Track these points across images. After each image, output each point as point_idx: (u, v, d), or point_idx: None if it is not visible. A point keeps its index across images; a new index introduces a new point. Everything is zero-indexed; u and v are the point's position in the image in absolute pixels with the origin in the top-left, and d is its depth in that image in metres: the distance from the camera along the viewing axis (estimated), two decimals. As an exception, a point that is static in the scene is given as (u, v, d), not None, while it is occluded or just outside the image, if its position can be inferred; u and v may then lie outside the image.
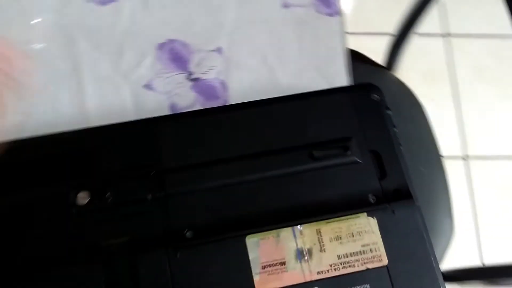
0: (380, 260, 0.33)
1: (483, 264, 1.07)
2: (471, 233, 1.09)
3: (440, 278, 0.33)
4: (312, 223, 0.34)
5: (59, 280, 0.31)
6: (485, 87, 1.24)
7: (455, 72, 1.24)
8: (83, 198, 0.34)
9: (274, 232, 0.33)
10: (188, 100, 0.41)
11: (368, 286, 0.32)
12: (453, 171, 0.68)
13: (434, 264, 0.33)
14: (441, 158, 0.74)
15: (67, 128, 0.37)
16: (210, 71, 0.42)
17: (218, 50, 0.43)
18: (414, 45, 0.75)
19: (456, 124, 1.20)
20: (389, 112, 0.38)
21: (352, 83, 0.43)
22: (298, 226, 0.34)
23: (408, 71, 0.82)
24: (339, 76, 0.42)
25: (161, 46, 0.42)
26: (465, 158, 1.16)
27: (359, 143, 0.36)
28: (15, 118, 0.38)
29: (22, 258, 0.32)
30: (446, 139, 0.72)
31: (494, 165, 1.15)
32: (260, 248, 0.33)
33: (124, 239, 0.33)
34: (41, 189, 0.34)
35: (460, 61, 1.26)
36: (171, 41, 0.43)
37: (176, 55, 0.42)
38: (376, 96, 0.39)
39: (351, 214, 0.34)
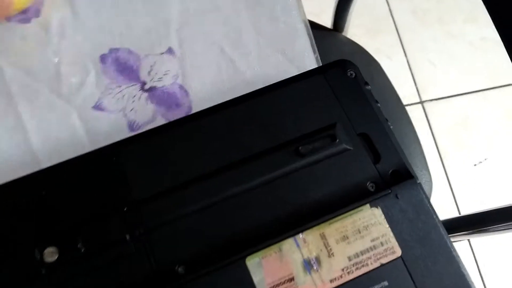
0: (394, 252, 0.30)
1: (458, 209, 1.09)
2: (440, 173, 1.11)
3: (456, 254, 0.31)
4: (314, 228, 0.30)
5: None
6: (428, 29, 1.24)
7: (396, 20, 1.23)
8: (51, 254, 0.29)
9: (275, 247, 0.30)
10: (147, 114, 0.36)
11: (387, 283, 0.30)
12: (414, 118, 0.67)
13: (448, 242, 0.31)
14: (406, 110, 0.73)
15: (14, 174, 0.32)
16: (165, 76, 0.37)
17: (169, 51, 0.38)
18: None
19: (408, 71, 1.20)
20: (368, 87, 0.35)
21: (319, 60, 0.40)
22: (300, 235, 0.30)
23: (351, 28, 0.80)
24: (306, 56, 0.39)
25: (104, 58, 0.37)
26: (421, 103, 1.17)
27: (345, 128, 0.33)
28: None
29: None
30: (402, 88, 0.71)
31: (447, 104, 1.17)
32: (263, 268, 0.29)
33: (108, 291, 0.29)
34: (-1, 253, 0.29)
35: (399, 8, 1.25)
36: (114, 50, 0.37)
37: (123, 66, 0.37)
38: (352, 72, 0.35)
39: (353, 209, 0.31)
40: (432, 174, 0.66)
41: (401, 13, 1.25)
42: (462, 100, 1.20)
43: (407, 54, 1.23)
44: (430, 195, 0.68)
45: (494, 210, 0.65)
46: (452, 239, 0.36)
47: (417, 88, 1.20)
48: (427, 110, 1.18)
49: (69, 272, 0.29)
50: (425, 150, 0.67)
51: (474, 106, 1.19)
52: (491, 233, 0.66)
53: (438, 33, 1.25)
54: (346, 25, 0.86)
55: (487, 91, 1.21)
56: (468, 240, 1.07)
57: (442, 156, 1.14)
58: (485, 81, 1.21)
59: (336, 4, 0.76)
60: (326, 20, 0.77)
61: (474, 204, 1.09)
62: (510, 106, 1.19)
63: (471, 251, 1.06)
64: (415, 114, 1.16)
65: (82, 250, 0.29)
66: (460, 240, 1.07)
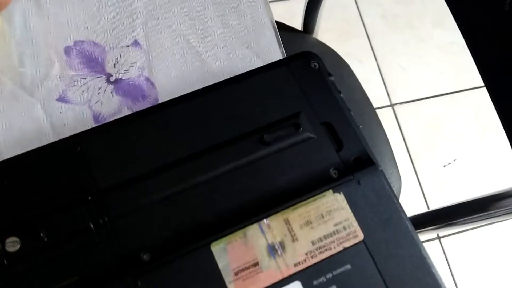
0: (356, 236, 0.31)
1: (428, 208, 1.11)
2: (410, 174, 1.13)
3: (417, 238, 0.32)
4: (278, 214, 0.31)
5: None
6: (397, 33, 1.27)
7: (366, 25, 1.25)
8: (12, 244, 0.28)
9: (240, 232, 0.30)
10: (112, 106, 0.36)
11: (349, 266, 0.30)
12: (385, 121, 0.69)
13: (409, 226, 0.32)
14: (376, 112, 0.74)
15: (-24, 166, 0.31)
16: (131, 69, 0.37)
17: (135, 43, 0.38)
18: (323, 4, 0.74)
19: (378, 74, 1.22)
20: (331, 78, 0.36)
21: (285, 54, 0.40)
22: (264, 220, 0.31)
23: (322, 33, 0.82)
24: (271, 49, 0.39)
25: (68, 50, 0.37)
26: (391, 105, 1.19)
27: (309, 117, 0.34)
28: None
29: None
30: (372, 91, 0.73)
31: (417, 107, 1.20)
32: (228, 253, 0.30)
33: (72, 280, 0.28)
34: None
35: (369, 12, 1.27)
36: (79, 42, 0.37)
37: (88, 58, 0.37)
38: (315, 63, 0.36)
39: (316, 195, 0.31)
40: (403, 175, 0.67)
41: (371, 17, 1.28)
42: (432, 102, 1.23)
43: (377, 58, 1.25)
44: (399, 195, 0.69)
45: (461, 203, 0.66)
46: (421, 235, 0.37)
47: (387, 91, 1.23)
48: (397, 113, 1.20)
49: (32, 262, 0.28)
50: (395, 152, 0.68)
51: (443, 109, 1.22)
52: (459, 226, 0.67)
53: (408, 37, 1.28)
54: (316, 26, 0.87)
55: (456, 94, 1.24)
56: (439, 240, 1.09)
57: (413, 158, 1.17)
58: (454, 84, 1.24)
59: (305, 5, 0.77)
60: (297, 25, 0.78)
61: (443, 203, 1.11)
62: (478, 108, 1.22)
63: (442, 250, 1.08)
64: (385, 116, 1.19)
65: (45, 240, 0.29)
66: (430, 239, 1.09)
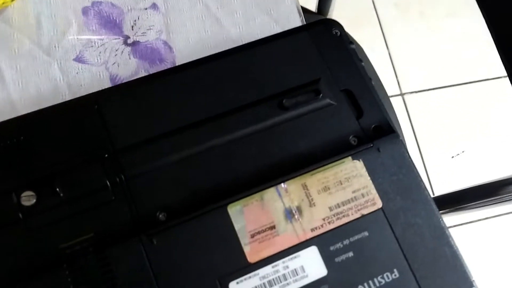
0: (374, 204, 0.30)
1: (433, 191, 1.11)
2: (418, 165, 1.12)
3: (435, 207, 0.31)
4: (296, 178, 0.30)
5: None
6: (410, 23, 1.25)
7: (379, 13, 1.24)
8: (28, 198, 0.28)
9: (257, 195, 0.30)
10: (129, 68, 0.36)
11: (367, 233, 0.30)
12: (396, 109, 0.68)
13: (428, 195, 0.31)
14: (388, 97, 0.73)
15: (-8, 123, 0.31)
16: (149, 31, 0.37)
17: (153, 6, 0.37)
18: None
19: (389, 63, 1.21)
20: (353, 46, 0.35)
21: (304, 22, 0.40)
22: (282, 184, 0.30)
23: (332, 17, 0.81)
24: (291, 17, 0.39)
25: (86, 10, 0.36)
26: (402, 95, 1.18)
27: (329, 83, 0.33)
28: None
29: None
30: (383, 80, 0.72)
31: (427, 97, 1.18)
32: (245, 215, 0.29)
33: (87, 236, 0.28)
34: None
35: (382, 0, 1.26)
36: (97, 3, 0.37)
37: (105, 19, 0.36)
38: (336, 31, 0.35)
39: (335, 161, 0.31)
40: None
41: (384, 5, 1.26)
42: (442, 93, 1.21)
43: (389, 47, 1.24)
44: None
45: (470, 188, 0.66)
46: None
47: (397, 80, 1.21)
48: (407, 102, 1.19)
49: (46, 217, 0.28)
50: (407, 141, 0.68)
51: (453, 99, 1.21)
52: (467, 211, 0.67)
53: (420, 26, 1.26)
54: (331, 8, 0.86)
55: (466, 85, 1.23)
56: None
57: (421, 148, 1.16)
58: (464, 75, 1.23)
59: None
60: (311, 7, 0.77)
61: (448, 192, 1.10)
62: (488, 100, 1.21)
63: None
64: (395, 106, 1.17)
65: (61, 195, 0.29)
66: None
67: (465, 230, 1.08)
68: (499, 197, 0.63)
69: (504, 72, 0.41)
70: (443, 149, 1.15)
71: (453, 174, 1.14)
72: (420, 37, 1.25)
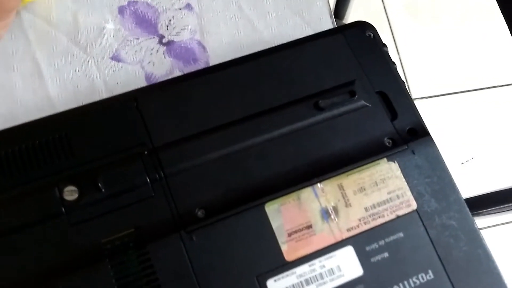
0: (409, 205, 0.31)
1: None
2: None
3: (468, 210, 0.31)
4: (332, 179, 0.31)
5: (64, 291, 0.27)
6: (421, 28, 1.25)
7: (390, 17, 1.24)
8: (70, 193, 0.29)
9: (294, 195, 0.30)
10: (164, 67, 0.36)
11: (402, 234, 0.30)
12: None
13: (461, 198, 0.31)
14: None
15: (30, 119, 0.31)
16: (183, 31, 0.37)
17: (188, 6, 0.38)
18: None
19: (400, 68, 1.21)
20: (386, 49, 0.36)
21: (335, 24, 0.40)
22: (318, 184, 0.31)
23: (348, 20, 0.81)
24: (322, 19, 0.39)
25: (122, 9, 0.37)
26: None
27: (364, 85, 0.34)
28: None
29: (13, 278, 0.27)
30: None
31: (437, 102, 1.18)
32: (282, 214, 0.30)
33: (127, 231, 0.29)
34: (15, 191, 0.29)
35: (392, 4, 1.26)
36: (133, 2, 0.37)
37: (141, 18, 0.37)
38: (370, 33, 0.36)
39: (370, 162, 0.31)
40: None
41: (395, 9, 1.26)
42: (452, 99, 1.21)
43: (400, 52, 1.24)
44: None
45: (485, 194, 0.66)
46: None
47: (408, 85, 1.21)
48: (417, 108, 1.19)
49: (88, 211, 0.29)
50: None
51: (463, 106, 1.21)
52: (481, 217, 0.67)
53: (431, 31, 1.26)
54: (347, 12, 0.87)
55: (477, 91, 1.23)
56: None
57: (430, 154, 1.15)
58: (475, 81, 1.23)
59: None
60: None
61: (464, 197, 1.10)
62: (499, 106, 1.21)
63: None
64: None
65: (103, 191, 0.29)
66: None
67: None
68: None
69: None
70: (452, 155, 1.15)
71: (463, 180, 1.13)
72: (431, 42, 1.25)
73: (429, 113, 1.18)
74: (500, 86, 1.21)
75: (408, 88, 1.21)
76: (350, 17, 0.84)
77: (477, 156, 1.16)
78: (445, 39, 1.26)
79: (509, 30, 0.49)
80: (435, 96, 1.21)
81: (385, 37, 1.21)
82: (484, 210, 0.67)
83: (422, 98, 1.20)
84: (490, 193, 0.67)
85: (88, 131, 0.31)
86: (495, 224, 1.09)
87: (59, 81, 0.35)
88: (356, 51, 0.35)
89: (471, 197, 0.63)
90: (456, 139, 1.17)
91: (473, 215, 0.64)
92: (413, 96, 1.20)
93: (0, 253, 0.27)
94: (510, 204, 0.66)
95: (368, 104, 0.33)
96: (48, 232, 0.28)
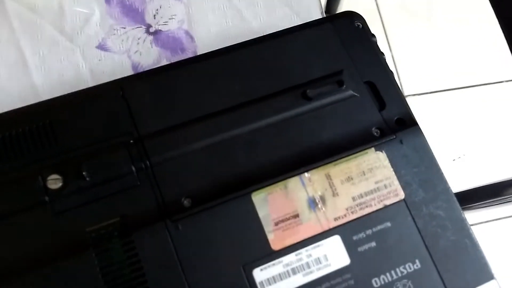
0: (397, 195, 0.31)
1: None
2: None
3: (456, 200, 0.31)
4: (319, 168, 0.31)
5: (48, 282, 0.26)
6: (414, 26, 1.25)
7: (382, 14, 1.24)
8: (54, 182, 0.28)
9: (281, 184, 0.30)
10: (151, 57, 0.36)
11: (389, 224, 0.30)
12: None
13: (449, 188, 0.31)
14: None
15: (14, 107, 0.31)
16: (171, 21, 0.37)
17: (176, -4, 0.38)
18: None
19: (392, 65, 1.22)
20: (374, 39, 0.36)
21: (324, 15, 0.40)
22: (306, 174, 0.30)
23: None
24: (312, 9, 0.39)
25: (109, -2, 0.37)
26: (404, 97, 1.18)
27: (352, 75, 0.33)
28: None
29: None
30: None
31: (429, 99, 1.19)
32: (269, 203, 0.30)
33: (112, 220, 0.28)
34: (-1, 180, 0.29)
35: (385, 1, 1.26)
36: (120, -9, 0.37)
37: (128, 7, 0.37)
38: (359, 23, 0.35)
39: (358, 152, 0.31)
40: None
41: (388, 7, 1.26)
42: (443, 96, 1.22)
43: (392, 49, 1.24)
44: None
45: (476, 188, 0.66)
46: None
47: (400, 82, 1.22)
48: (409, 105, 1.19)
49: (72, 200, 0.28)
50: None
51: (455, 103, 1.21)
52: (471, 211, 0.67)
53: (423, 29, 1.27)
54: (338, 9, 0.87)
55: (468, 89, 1.23)
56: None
57: (422, 150, 1.16)
58: (466, 78, 1.23)
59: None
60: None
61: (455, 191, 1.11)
62: (490, 103, 1.21)
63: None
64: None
65: (87, 179, 0.29)
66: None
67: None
68: (504, 197, 0.64)
69: (506, 77, 0.41)
70: (444, 152, 1.15)
71: (454, 177, 1.14)
72: (423, 39, 1.25)
73: (421, 110, 1.18)
74: (491, 83, 1.21)
75: (400, 84, 1.21)
76: (343, 9, 0.84)
77: (469, 153, 1.17)
78: (437, 36, 1.26)
79: (501, 28, 0.49)
80: (427, 93, 1.21)
81: (377, 33, 1.21)
82: (474, 204, 0.67)
83: (414, 95, 1.20)
84: (480, 187, 0.67)
85: (72, 119, 0.30)
86: (486, 220, 1.10)
87: (44, 70, 0.34)
88: (345, 41, 0.34)
89: (461, 191, 0.64)
90: (447, 136, 1.18)
91: (464, 209, 0.64)
92: (405, 93, 1.20)
93: (-18, 241, 0.27)
94: (500, 198, 0.66)
95: (356, 94, 0.33)
96: (32, 220, 0.28)
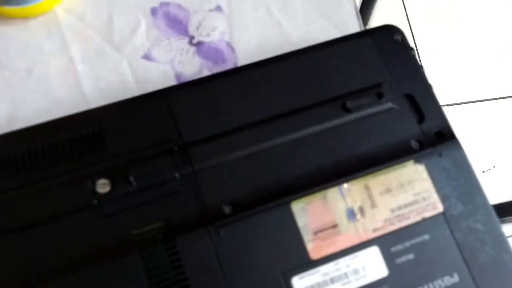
0: (435, 208, 0.31)
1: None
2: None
3: (495, 215, 0.31)
4: (358, 179, 0.31)
5: (95, 282, 0.27)
6: (442, 34, 1.24)
7: (411, 20, 1.23)
8: (103, 186, 0.30)
9: (320, 194, 0.31)
10: (194, 67, 0.37)
11: (428, 236, 0.30)
12: None
13: (488, 202, 0.31)
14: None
15: (64, 114, 0.33)
16: (213, 32, 0.38)
17: (218, 8, 0.39)
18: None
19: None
20: (413, 52, 0.36)
21: (363, 27, 0.40)
22: (344, 184, 0.31)
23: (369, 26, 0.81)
24: (350, 22, 0.39)
25: (154, 11, 0.38)
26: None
27: (391, 88, 0.34)
28: (1, 108, 0.34)
29: (45, 267, 0.28)
30: None
31: (457, 110, 1.17)
32: (308, 213, 0.30)
33: (157, 224, 0.29)
34: (50, 183, 0.30)
35: (412, 6, 1.25)
36: (165, 4, 0.38)
37: (172, 19, 0.38)
38: (398, 37, 0.36)
39: (397, 164, 0.32)
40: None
41: (417, 15, 1.25)
42: (473, 107, 1.20)
43: (421, 57, 1.23)
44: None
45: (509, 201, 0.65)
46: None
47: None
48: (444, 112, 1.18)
49: (120, 204, 0.30)
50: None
51: (485, 114, 1.19)
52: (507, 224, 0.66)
53: (452, 37, 1.25)
54: (371, 18, 0.87)
55: (499, 100, 1.21)
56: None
57: (452, 162, 1.14)
58: (497, 89, 1.21)
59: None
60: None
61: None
62: (518, 114, 1.19)
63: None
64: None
65: (133, 184, 0.30)
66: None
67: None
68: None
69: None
70: (474, 164, 1.14)
71: (485, 188, 1.12)
72: (453, 49, 1.24)
73: (450, 121, 1.16)
74: (520, 94, 1.19)
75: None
76: (373, 22, 0.84)
77: (499, 164, 1.15)
78: (467, 46, 1.24)
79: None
80: (456, 104, 1.20)
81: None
82: (508, 218, 0.66)
83: (443, 105, 1.19)
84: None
85: (120, 126, 0.32)
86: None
87: (93, 78, 0.36)
88: (384, 54, 0.35)
89: (495, 204, 0.63)
90: (477, 147, 1.16)
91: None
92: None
93: (35, 241, 0.28)
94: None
95: (395, 107, 0.33)
96: (81, 222, 0.29)
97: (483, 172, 1.15)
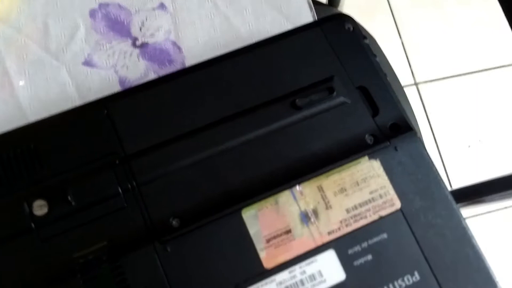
0: (393, 204, 0.30)
1: (451, 185, 1.09)
2: (434, 154, 1.10)
3: (457, 207, 0.30)
4: (311, 180, 0.30)
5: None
6: (422, 11, 1.22)
7: (391, 1, 1.21)
8: (40, 207, 0.28)
9: (271, 199, 0.29)
10: (138, 70, 0.35)
11: (386, 235, 0.29)
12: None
13: (448, 195, 0.30)
14: (402, 88, 0.72)
15: (1, 130, 0.31)
16: (157, 32, 0.36)
17: (161, 6, 0.37)
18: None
19: (403, 52, 1.19)
20: (366, 41, 0.34)
21: (316, 18, 0.39)
22: (297, 187, 0.29)
23: (345, 9, 0.79)
24: (302, 12, 0.38)
25: (93, 13, 0.36)
26: (416, 84, 1.16)
27: (343, 81, 0.32)
28: None
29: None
30: (396, 69, 0.70)
31: (441, 85, 1.16)
32: (259, 220, 0.29)
33: (100, 245, 0.28)
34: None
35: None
36: (104, 5, 0.36)
37: (113, 21, 0.36)
38: (349, 26, 0.34)
39: (351, 161, 0.30)
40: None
41: (397, -6, 1.23)
42: (456, 81, 1.19)
43: (402, 36, 1.21)
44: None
45: (490, 180, 0.64)
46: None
47: (411, 69, 1.19)
48: (421, 92, 1.17)
49: (59, 226, 0.28)
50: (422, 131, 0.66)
51: (468, 87, 1.18)
52: (485, 204, 0.65)
53: (433, 15, 1.24)
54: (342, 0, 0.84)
55: (481, 72, 1.20)
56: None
57: (436, 138, 1.14)
58: (480, 62, 1.20)
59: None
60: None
61: (467, 184, 1.08)
62: (504, 87, 1.18)
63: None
64: (409, 95, 1.15)
65: (73, 204, 0.28)
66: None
67: (481, 221, 1.06)
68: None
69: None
70: (459, 138, 1.13)
71: (470, 163, 1.11)
72: (433, 25, 1.22)
73: (434, 96, 1.15)
74: (506, 65, 1.18)
75: (412, 71, 1.18)
76: (348, 1, 0.82)
77: (484, 138, 1.14)
78: (447, 21, 1.23)
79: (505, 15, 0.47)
80: (439, 79, 1.18)
81: (386, 20, 1.18)
82: (488, 197, 0.65)
83: (426, 81, 1.18)
84: (493, 179, 0.66)
85: (57, 142, 0.30)
86: (504, 207, 1.07)
87: (30, 90, 0.34)
88: (335, 45, 0.33)
89: (474, 184, 0.62)
90: (462, 121, 1.15)
91: (476, 202, 0.62)
92: (417, 80, 1.17)
93: (-31, 272, 0.27)
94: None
95: (347, 101, 0.32)
96: (19, 248, 0.27)
97: (469, 146, 1.14)
